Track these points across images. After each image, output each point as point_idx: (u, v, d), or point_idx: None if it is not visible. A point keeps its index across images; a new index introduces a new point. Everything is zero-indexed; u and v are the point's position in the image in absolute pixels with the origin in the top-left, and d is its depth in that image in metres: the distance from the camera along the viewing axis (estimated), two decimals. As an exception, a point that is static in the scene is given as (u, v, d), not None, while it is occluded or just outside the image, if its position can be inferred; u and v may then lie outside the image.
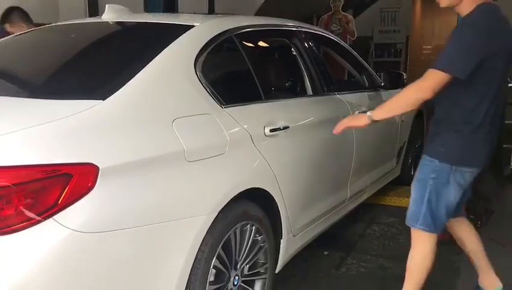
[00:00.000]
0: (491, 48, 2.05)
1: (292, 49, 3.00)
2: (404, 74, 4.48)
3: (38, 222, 1.43)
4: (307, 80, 2.98)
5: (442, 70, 2.03)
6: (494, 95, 2.15)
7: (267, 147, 2.31)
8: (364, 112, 3.18)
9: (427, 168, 2.27)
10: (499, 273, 2.66)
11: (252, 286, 2.32)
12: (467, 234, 2.59)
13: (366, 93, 3.64)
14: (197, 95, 2.06)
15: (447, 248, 3.19)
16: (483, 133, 2.19)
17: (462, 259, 3.17)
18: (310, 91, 2.99)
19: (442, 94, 2.12)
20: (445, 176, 2.21)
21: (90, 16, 4.93)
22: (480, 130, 2.18)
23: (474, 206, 3.97)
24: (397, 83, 3.93)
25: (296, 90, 3.18)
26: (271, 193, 2.32)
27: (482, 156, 2.25)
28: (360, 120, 2.32)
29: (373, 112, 2.27)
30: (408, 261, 2.40)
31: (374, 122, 2.26)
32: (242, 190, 2.08)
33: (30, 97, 1.82)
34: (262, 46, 3.20)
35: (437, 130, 2.27)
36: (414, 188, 2.35)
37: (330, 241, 3.36)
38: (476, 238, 2.59)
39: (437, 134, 2.26)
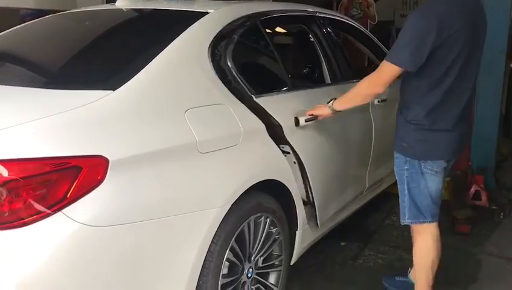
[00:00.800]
0: (444, 36, 1.94)
1: (310, 35, 2.92)
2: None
3: (47, 215, 1.41)
4: (325, 67, 2.90)
5: (393, 64, 1.99)
6: (454, 84, 2.05)
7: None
8: (384, 100, 3.13)
9: (398, 160, 2.26)
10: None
11: (267, 278, 2.29)
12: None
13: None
14: (210, 84, 2.01)
15: (467, 240, 3.13)
16: (444, 125, 2.10)
17: (482, 251, 3.11)
18: (328, 79, 2.91)
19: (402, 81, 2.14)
20: (416, 167, 2.17)
21: (108, 2, 4.91)
22: (439, 121, 2.09)
23: (496, 197, 3.89)
24: None
25: (314, 79, 3.10)
26: (286, 185, 2.27)
27: (447, 149, 2.17)
28: (323, 110, 2.36)
29: (334, 102, 2.31)
30: (413, 257, 2.36)
31: (336, 112, 2.31)
32: (256, 182, 2.04)
33: (38, 87, 1.79)
34: (279, 33, 3.13)
35: (398, 121, 2.24)
36: (397, 183, 2.33)
37: (347, 232, 3.31)
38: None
39: (399, 126, 2.24)
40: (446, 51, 1.98)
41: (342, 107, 2.30)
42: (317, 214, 2.46)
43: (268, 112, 2.19)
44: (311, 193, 2.38)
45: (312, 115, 2.37)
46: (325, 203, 2.57)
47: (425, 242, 2.29)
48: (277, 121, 2.20)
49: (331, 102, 2.32)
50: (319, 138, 2.49)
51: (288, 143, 2.26)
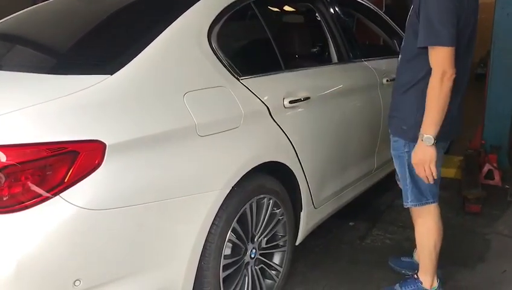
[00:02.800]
0: (461, 10, 1.93)
1: (315, 13, 2.87)
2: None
3: (46, 199, 1.44)
4: (331, 46, 2.86)
5: (445, 46, 1.89)
6: (461, 62, 1.99)
7: (286, 119, 2.25)
8: (393, 79, 3.07)
9: (397, 144, 2.20)
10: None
11: (271, 259, 2.31)
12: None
13: (397, 59, 3.48)
14: (210, 66, 2.00)
15: (477, 219, 3.10)
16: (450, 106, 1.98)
17: (492, 231, 3.08)
18: (334, 58, 2.88)
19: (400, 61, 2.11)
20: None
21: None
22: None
23: (509, 176, 3.83)
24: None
25: (319, 58, 3.06)
26: (289, 166, 2.27)
27: (451, 129, 2.11)
28: (427, 153, 1.99)
29: (421, 133, 1.98)
30: (416, 239, 2.36)
31: (434, 140, 1.96)
32: (257, 164, 2.04)
33: (35, 72, 1.80)
34: (283, 12, 3.08)
35: (397, 102, 2.18)
36: (396, 166, 2.30)
37: (357, 212, 3.31)
38: None
39: (399, 107, 2.16)
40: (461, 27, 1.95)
41: (433, 131, 1.95)
42: (311, 194, 2.45)
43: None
44: (304, 173, 2.36)
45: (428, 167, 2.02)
46: (321, 184, 2.55)
47: (426, 223, 2.30)
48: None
49: (423, 136, 1.97)
50: (312, 119, 2.44)
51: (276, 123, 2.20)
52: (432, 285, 2.35)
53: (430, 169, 2.00)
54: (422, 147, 1.98)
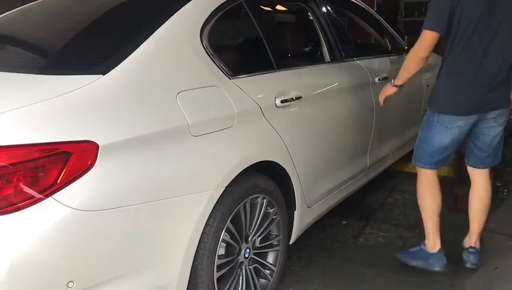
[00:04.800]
0: (460, 5, 2.27)
1: (307, 12, 2.87)
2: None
3: (38, 200, 1.43)
4: (323, 45, 2.87)
5: (428, 30, 2.32)
6: (466, 50, 2.33)
7: (279, 118, 2.25)
8: (385, 78, 3.10)
9: (426, 113, 2.57)
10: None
11: (265, 258, 2.31)
12: (475, 188, 2.70)
13: (389, 57, 3.50)
14: (203, 66, 1.99)
15: (468, 217, 3.11)
16: (461, 82, 2.37)
17: (484, 228, 3.08)
18: (326, 58, 2.88)
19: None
20: (431, 120, 2.48)
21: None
22: (455, 78, 2.38)
23: (501, 174, 3.85)
24: None
25: (311, 57, 3.06)
26: (283, 166, 2.27)
27: (461, 106, 2.39)
28: (388, 89, 2.69)
29: (394, 80, 2.63)
30: None
31: (399, 87, 2.62)
32: (250, 164, 2.04)
33: (27, 73, 1.78)
34: (275, 11, 3.08)
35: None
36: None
37: (350, 210, 3.32)
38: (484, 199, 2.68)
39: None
40: (458, 18, 2.29)
41: (401, 81, 2.59)
42: (304, 193, 2.46)
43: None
44: (297, 172, 2.36)
45: (383, 97, 2.72)
46: (314, 183, 2.56)
47: (420, 185, 2.63)
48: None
49: (393, 80, 2.63)
50: (304, 118, 2.45)
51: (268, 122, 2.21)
52: (433, 248, 2.61)
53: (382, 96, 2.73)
54: (388, 85, 2.69)
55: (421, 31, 2.35)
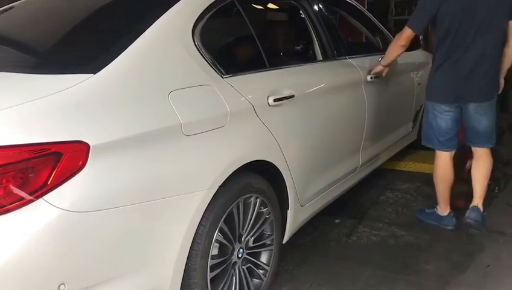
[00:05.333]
0: (442, 9, 2.71)
1: (299, 11, 2.86)
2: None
3: (28, 202, 1.40)
4: (316, 44, 2.86)
5: (408, 27, 2.86)
6: (455, 43, 2.73)
7: (271, 117, 2.24)
8: (377, 76, 3.11)
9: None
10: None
11: (258, 258, 2.30)
12: (475, 162, 3.07)
13: (380, 56, 3.50)
14: (195, 65, 1.97)
15: (460, 215, 3.13)
16: (442, 74, 2.81)
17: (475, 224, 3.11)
18: (318, 56, 2.88)
19: None
20: (428, 107, 2.96)
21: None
22: (441, 70, 2.81)
23: (492, 171, 3.86)
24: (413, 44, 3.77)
25: (303, 56, 3.05)
26: (276, 165, 2.26)
27: (445, 94, 2.85)
28: (377, 68, 3.16)
29: (381, 59, 3.15)
30: None
31: (385, 66, 3.14)
32: (243, 163, 2.03)
33: (16, 72, 1.75)
34: (267, 9, 3.07)
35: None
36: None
37: (342, 209, 3.32)
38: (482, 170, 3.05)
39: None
40: (441, 19, 2.73)
41: (385, 62, 3.11)
42: (297, 192, 2.45)
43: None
44: (290, 171, 2.35)
45: (375, 73, 3.14)
46: (307, 182, 2.55)
47: (435, 163, 3.06)
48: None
49: (380, 59, 3.15)
50: (297, 116, 2.44)
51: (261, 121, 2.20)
52: (444, 212, 3.10)
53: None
54: (378, 64, 3.17)
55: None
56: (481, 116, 2.86)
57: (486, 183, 3.05)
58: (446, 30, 2.72)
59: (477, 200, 3.02)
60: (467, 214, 2.97)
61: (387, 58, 3.10)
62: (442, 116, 2.88)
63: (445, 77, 2.81)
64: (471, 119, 2.88)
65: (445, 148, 2.97)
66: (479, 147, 2.99)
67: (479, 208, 2.99)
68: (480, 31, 2.69)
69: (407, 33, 2.87)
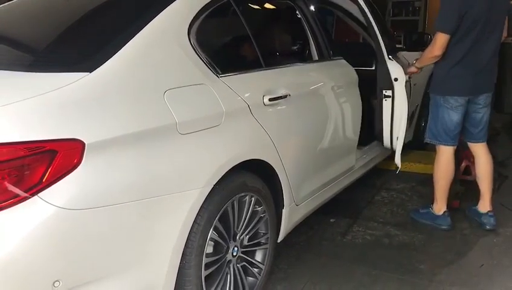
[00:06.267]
0: (465, 8, 2.75)
1: (295, 11, 2.87)
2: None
3: (23, 199, 1.41)
4: (311, 44, 2.88)
5: (443, 32, 2.81)
6: (474, 41, 2.83)
7: (267, 116, 2.25)
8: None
9: (432, 95, 3.10)
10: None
11: (253, 256, 2.31)
12: (478, 160, 3.17)
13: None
14: (190, 64, 1.99)
15: (454, 215, 3.16)
16: (461, 69, 2.87)
17: (469, 226, 3.14)
18: (314, 56, 2.89)
19: None
20: (438, 100, 3.00)
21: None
22: (460, 66, 2.87)
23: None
24: (418, 43, 3.82)
25: (299, 56, 3.07)
26: (271, 164, 2.27)
27: (465, 88, 2.92)
28: (411, 69, 3.24)
29: (416, 62, 3.19)
30: None
31: (419, 68, 3.21)
32: (238, 162, 2.04)
33: (12, 70, 1.75)
34: (263, 9, 3.08)
35: (434, 69, 3.07)
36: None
37: (338, 208, 3.33)
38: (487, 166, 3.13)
39: (434, 72, 3.08)
40: (465, 20, 2.78)
41: (420, 64, 3.15)
42: (292, 191, 2.46)
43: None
44: (285, 170, 2.37)
45: (410, 73, 3.24)
46: (302, 181, 2.56)
47: (437, 159, 3.09)
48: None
49: (414, 61, 3.20)
50: (292, 116, 2.46)
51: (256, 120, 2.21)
52: (439, 211, 3.10)
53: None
54: (412, 65, 3.24)
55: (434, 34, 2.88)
56: (487, 108, 3.03)
57: (492, 182, 3.13)
58: (467, 29, 2.80)
59: (489, 203, 3.10)
60: (485, 221, 3.06)
61: (422, 63, 3.13)
62: (455, 111, 2.94)
63: (465, 71, 2.88)
64: (479, 111, 3.02)
65: (452, 142, 3.02)
66: (481, 141, 3.10)
67: (493, 214, 3.07)
68: (492, 30, 2.86)
69: (441, 40, 2.82)
